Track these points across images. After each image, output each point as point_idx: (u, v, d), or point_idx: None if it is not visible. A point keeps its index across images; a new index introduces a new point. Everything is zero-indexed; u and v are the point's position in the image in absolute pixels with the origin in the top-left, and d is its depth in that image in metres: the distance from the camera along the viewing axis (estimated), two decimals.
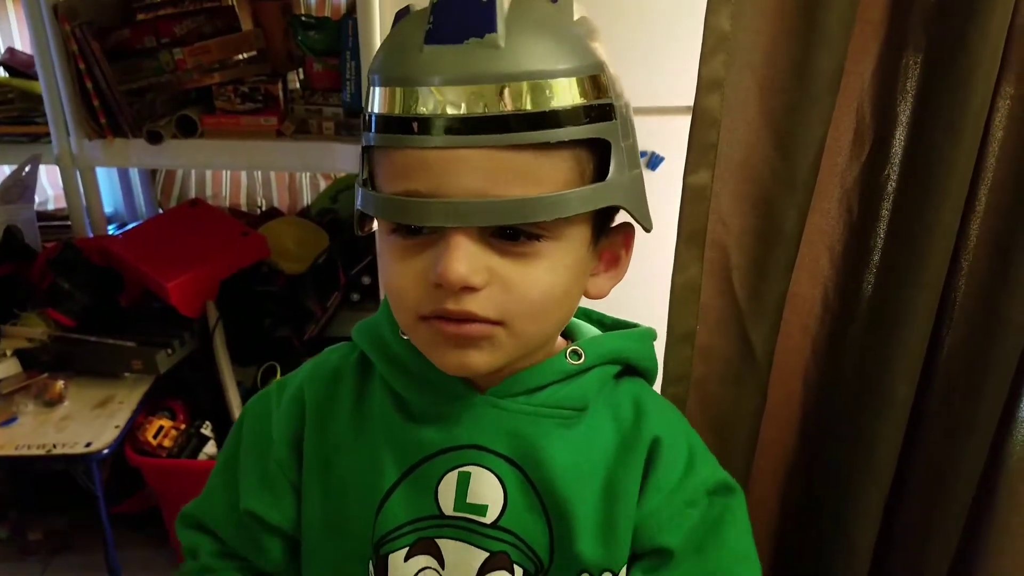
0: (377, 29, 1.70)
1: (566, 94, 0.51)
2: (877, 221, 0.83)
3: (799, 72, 0.72)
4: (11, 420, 1.67)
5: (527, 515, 0.58)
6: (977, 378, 0.86)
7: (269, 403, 0.67)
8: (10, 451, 1.60)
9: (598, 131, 0.52)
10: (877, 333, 0.84)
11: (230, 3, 2.02)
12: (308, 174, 2.45)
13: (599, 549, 0.58)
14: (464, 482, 0.58)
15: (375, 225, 0.60)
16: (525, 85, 0.49)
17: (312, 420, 0.64)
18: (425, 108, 0.50)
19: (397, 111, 0.52)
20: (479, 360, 0.55)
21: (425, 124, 0.50)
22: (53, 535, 2.10)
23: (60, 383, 1.74)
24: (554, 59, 0.51)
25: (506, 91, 0.49)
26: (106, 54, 1.85)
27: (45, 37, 1.82)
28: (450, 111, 0.49)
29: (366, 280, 2.00)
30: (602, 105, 0.53)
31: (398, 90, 0.51)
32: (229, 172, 2.50)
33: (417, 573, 0.59)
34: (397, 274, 0.55)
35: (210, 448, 1.91)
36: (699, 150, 0.76)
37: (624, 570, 0.59)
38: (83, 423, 1.66)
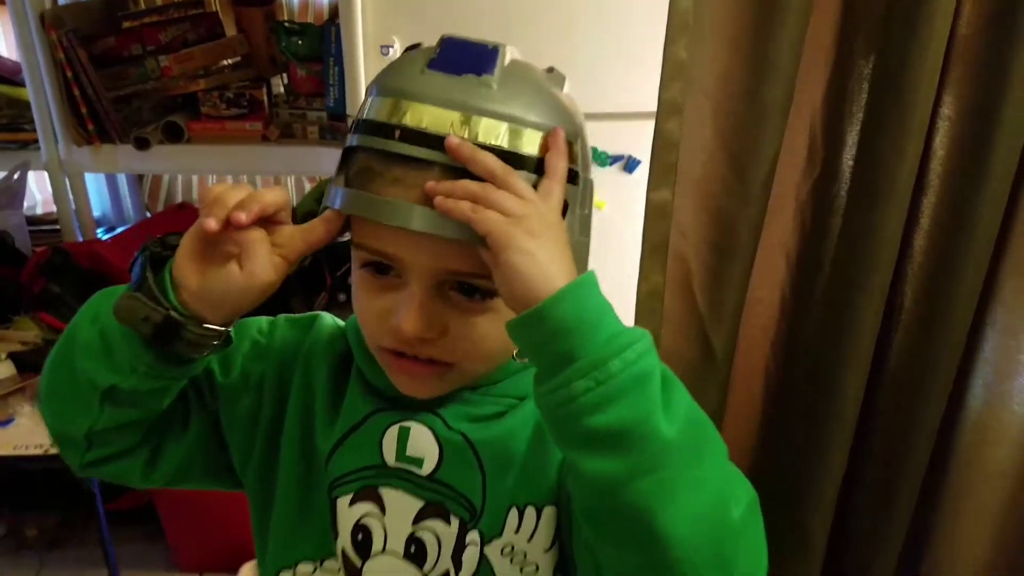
0: (360, 34, 1.75)
1: (537, 145, 0.55)
2: (828, 231, 0.89)
3: (751, 98, 0.77)
4: (8, 421, 1.72)
5: (461, 469, 0.63)
6: (923, 376, 0.92)
7: (305, 333, 0.71)
8: (9, 451, 1.65)
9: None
10: (830, 334, 0.90)
11: (214, 9, 2.06)
12: (293, 177, 2.49)
13: (526, 487, 0.63)
14: (404, 436, 0.63)
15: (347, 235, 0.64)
16: (505, 125, 0.53)
17: (298, 378, 0.68)
18: (411, 121, 0.54)
19: (386, 118, 0.55)
20: (429, 389, 0.61)
21: (407, 134, 0.53)
22: (47, 532, 2.15)
23: None
24: (535, 113, 0.55)
25: (484, 123, 0.53)
26: (92, 61, 1.90)
27: (32, 45, 1.86)
28: (432, 130, 0.53)
29: (351, 281, 2.04)
30: (569, 169, 0.56)
31: (391, 100, 0.55)
32: (215, 176, 2.53)
33: (360, 518, 0.64)
34: (363, 307, 0.60)
35: None
36: (660, 170, 0.82)
37: (549, 504, 0.64)
38: None
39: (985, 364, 0.94)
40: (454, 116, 0.53)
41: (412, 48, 0.59)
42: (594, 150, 1.61)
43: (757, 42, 0.76)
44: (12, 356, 1.84)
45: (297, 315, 0.73)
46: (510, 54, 0.56)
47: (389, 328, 0.57)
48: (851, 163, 0.84)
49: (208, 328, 0.57)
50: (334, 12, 1.89)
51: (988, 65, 0.78)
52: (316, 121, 1.97)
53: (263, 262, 0.56)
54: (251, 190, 0.56)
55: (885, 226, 0.84)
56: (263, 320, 0.71)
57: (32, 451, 1.63)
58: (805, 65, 0.81)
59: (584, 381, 0.48)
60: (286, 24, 1.96)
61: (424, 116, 0.53)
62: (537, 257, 0.50)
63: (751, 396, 0.97)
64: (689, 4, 0.74)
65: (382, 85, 0.57)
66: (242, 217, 0.54)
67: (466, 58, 0.55)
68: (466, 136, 0.53)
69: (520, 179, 0.54)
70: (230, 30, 2.05)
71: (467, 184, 0.52)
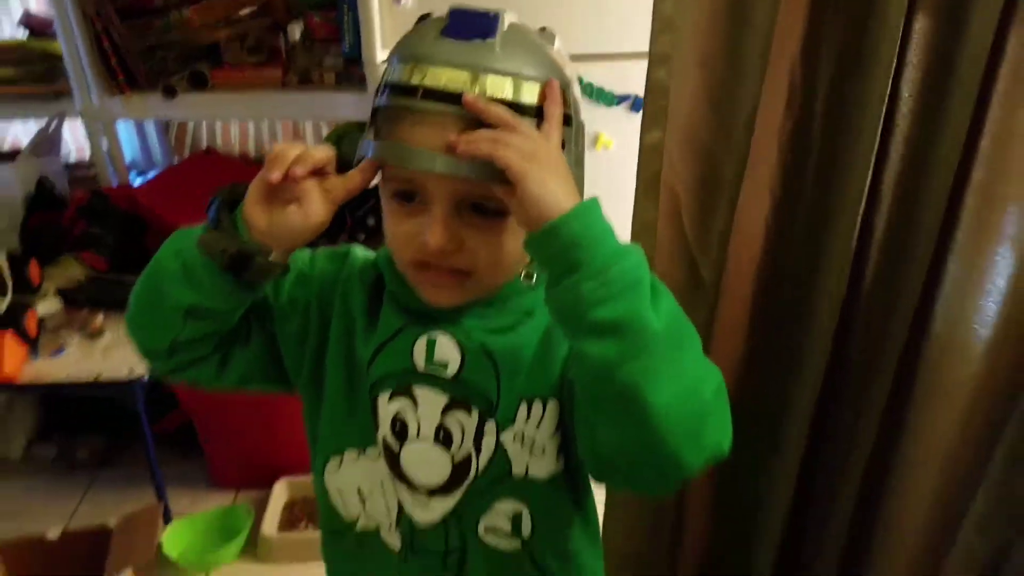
0: None
1: (532, 95, 0.65)
2: (807, 168, 0.98)
3: (732, 48, 0.87)
4: (59, 351, 1.87)
5: (480, 371, 0.75)
6: (892, 297, 1.03)
7: (342, 264, 0.83)
8: (62, 379, 1.80)
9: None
10: (808, 261, 1.01)
11: None
12: (312, 123, 2.57)
13: (533, 384, 0.75)
14: (432, 345, 0.75)
15: (376, 178, 0.76)
16: (509, 80, 0.64)
17: (339, 304, 0.81)
18: (430, 82, 0.64)
19: (407, 80, 0.65)
20: (451, 297, 0.73)
21: (428, 93, 0.64)
22: (96, 453, 2.33)
23: (99, 317, 1.95)
24: (532, 68, 0.66)
25: (491, 80, 0.64)
26: (119, 14, 2.01)
27: (63, 1, 1.95)
28: (448, 86, 0.64)
29: (371, 221, 2.16)
30: (564, 113, 0.67)
31: (411, 65, 0.65)
32: (237, 121, 2.62)
33: (397, 412, 0.77)
34: (394, 231, 0.71)
35: None
36: (651, 114, 0.92)
37: (552, 398, 0.75)
38: (124, 353, 1.86)
39: (948, 284, 1.05)
40: (465, 75, 0.64)
41: (424, 18, 0.71)
42: (601, 90, 1.69)
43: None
44: (59, 292, 2.00)
45: (333, 248, 0.85)
46: (508, 19, 0.67)
47: (417, 245, 0.69)
48: (824, 105, 0.94)
49: (272, 259, 0.70)
50: None
51: (947, 10, 0.88)
52: (332, 67, 2.06)
53: (316, 205, 0.68)
54: (306, 147, 0.68)
55: (856, 163, 0.94)
56: (305, 253, 0.83)
57: (82, 378, 1.79)
58: (783, 16, 0.90)
59: (591, 283, 0.59)
60: None
61: (441, 77, 0.64)
62: (549, 185, 0.61)
63: (738, 318, 1.08)
64: None
65: (402, 53, 0.68)
66: (298, 171, 0.66)
67: (472, 25, 0.65)
68: (476, 91, 0.64)
69: (527, 124, 0.65)
70: None
71: (485, 131, 0.63)
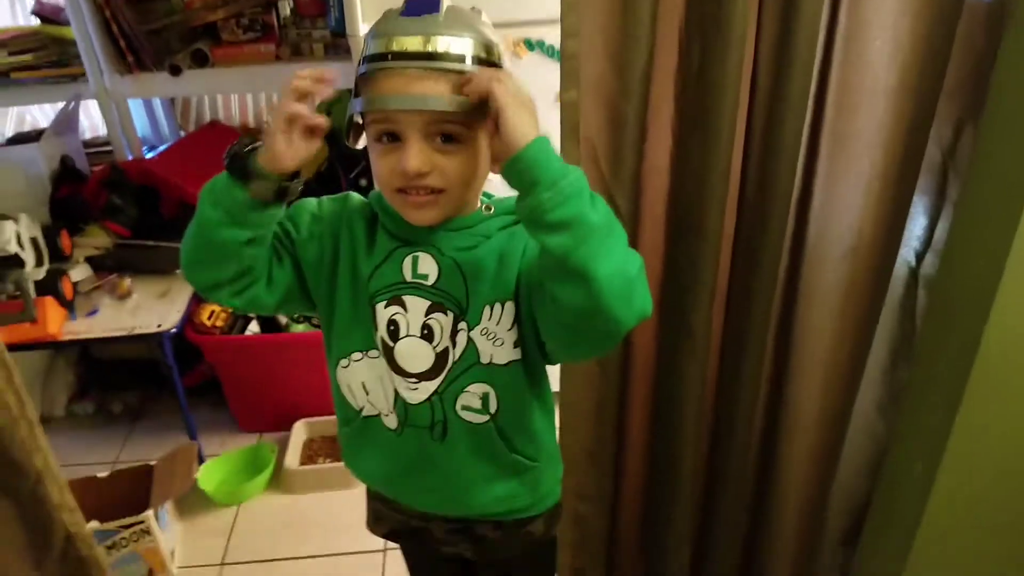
0: None
1: (468, 49, 0.90)
2: (698, 110, 1.23)
3: (625, 18, 1.13)
4: (94, 312, 2.17)
5: (452, 280, 0.98)
6: (768, 201, 1.27)
7: (344, 205, 1.05)
8: (99, 334, 2.10)
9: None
10: (700, 183, 1.26)
11: None
12: None
13: (494, 290, 0.98)
14: (415, 261, 0.99)
15: (362, 140, 1.01)
16: (449, 39, 0.89)
17: (345, 234, 1.03)
18: (396, 47, 0.88)
19: (379, 50, 0.89)
20: (431, 215, 0.96)
21: (396, 56, 0.89)
22: (129, 406, 2.66)
23: (127, 281, 2.23)
24: (465, 31, 0.90)
25: (438, 39, 0.89)
26: (125, 0, 2.25)
27: None
28: (409, 48, 0.88)
29: (363, 183, 2.43)
30: (491, 60, 0.92)
31: (382, 39, 0.90)
32: (237, 95, 2.91)
33: (392, 315, 1.00)
34: (379, 166, 0.93)
35: (253, 326, 2.42)
36: (567, 76, 1.18)
37: (509, 301, 0.99)
38: (151, 310, 2.16)
39: (816, 199, 1.31)
40: (419, 39, 0.89)
41: (389, 12, 0.95)
42: (552, 47, 1.96)
43: None
44: (88, 260, 2.29)
45: (334, 196, 1.09)
46: (446, 2, 0.92)
47: (399, 173, 0.92)
48: (699, 61, 1.21)
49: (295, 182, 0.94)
50: None
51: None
52: (320, 39, 2.31)
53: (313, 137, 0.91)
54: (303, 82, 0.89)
55: (726, 93, 1.17)
56: (313, 200, 1.07)
57: (119, 333, 2.08)
58: None
59: (547, 193, 0.82)
60: None
61: (404, 43, 0.90)
62: (524, 117, 0.84)
63: (655, 238, 1.36)
64: None
65: (374, 32, 0.93)
66: (318, 93, 0.89)
67: (422, 6, 0.91)
68: (429, 49, 0.89)
69: (513, 78, 0.88)
70: None
71: (487, 71, 0.88)
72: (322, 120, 0.90)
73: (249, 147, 0.92)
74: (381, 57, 0.91)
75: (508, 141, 0.84)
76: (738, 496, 1.58)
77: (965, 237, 1.19)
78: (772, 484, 1.56)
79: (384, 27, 0.92)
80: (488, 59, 0.93)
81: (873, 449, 1.49)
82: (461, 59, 0.90)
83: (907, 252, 1.36)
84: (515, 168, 0.85)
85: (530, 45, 1.89)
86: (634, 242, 1.36)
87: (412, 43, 0.89)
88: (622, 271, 0.85)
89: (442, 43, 0.90)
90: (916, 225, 1.34)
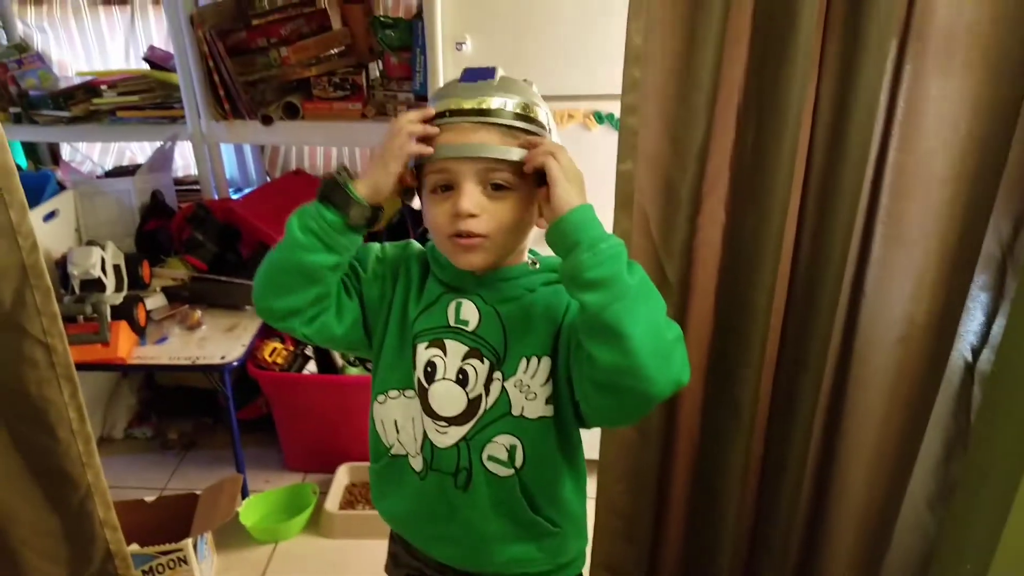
0: (439, 29, 2.14)
1: (518, 109, 0.99)
2: (754, 190, 1.28)
3: (682, 101, 1.20)
4: (163, 339, 2.27)
5: (491, 328, 1.04)
6: (815, 298, 1.31)
7: (404, 250, 1.14)
8: (165, 361, 2.20)
9: (533, 131, 0.99)
10: (747, 262, 1.29)
11: (323, 7, 2.56)
12: None
13: (532, 344, 1.03)
14: (459, 307, 1.05)
15: (416, 203, 1.11)
16: (501, 98, 0.99)
17: (402, 276, 1.13)
18: (453, 107, 0.98)
19: (439, 110, 0.99)
20: (479, 259, 1.01)
21: (453, 112, 0.98)
22: (184, 435, 2.76)
23: (198, 313, 2.35)
24: (515, 96, 1.00)
25: (491, 100, 0.98)
26: (228, 52, 2.43)
27: (183, 40, 2.42)
28: (465, 107, 0.98)
29: (429, 240, 2.52)
30: (536, 121, 1.00)
31: (442, 100, 1.00)
32: (322, 147, 3.08)
33: (431, 357, 1.05)
34: (433, 214, 1.01)
35: (311, 366, 2.51)
36: (624, 148, 1.25)
37: (546, 356, 1.04)
38: (217, 343, 2.26)
39: (869, 285, 1.34)
40: (475, 100, 0.99)
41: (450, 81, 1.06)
42: (611, 116, 2.05)
43: (688, 62, 1.19)
44: (164, 290, 2.41)
45: (397, 242, 1.17)
46: (500, 71, 1.02)
47: (450, 219, 0.99)
48: (754, 140, 1.24)
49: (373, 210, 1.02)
50: (419, 9, 2.31)
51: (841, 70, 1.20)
52: (405, 101, 2.43)
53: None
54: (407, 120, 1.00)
55: (780, 172, 1.22)
56: (378, 244, 1.15)
57: (184, 362, 2.17)
58: (726, 70, 1.23)
59: (587, 254, 0.90)
60: (382, 19, 2.43)
61: (461, 103, 0.99)
62: (570, 189, 0.94)
63: (705, 310, 1.39)
64: (641, 40, 1.19)
65: (436, 96, 1.03)
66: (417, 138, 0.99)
67: (477, 74, 1.02)
68: (482, 106, 0.98)
69: (565, 153, 0.96)
70: (336, 24, 2.54)
71: (546, 145, 0.97)
72: (423, 148, 0.99)
73: (340, 174, 1.02)
74: (440, 115, 1.00)
75: (555, 207, 0.94)
76: None
77: (1020, 335, 1.19)
78: (815, 570, 1.53)
79: (445, 91, 1.03)
80: (536, 120, 1.02)
81: (923, 546, 1.45)
82: (511, 115, 0.99)
83: (964, 347, 1.36)
84: (559, 230, 0.94)
85: (599, 118, 1.98)
86: (683, 313, 1.40)
87: (468, 103, 0.99)
88: (656, 333, 0.90)
89: (495, 102, 0.99)
90: (974, 320, 1.34)
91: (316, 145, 3.01)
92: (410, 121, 0.99)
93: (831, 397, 1.42)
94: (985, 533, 1.20)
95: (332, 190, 1.01)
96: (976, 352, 1.34)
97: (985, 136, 1.18)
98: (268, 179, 3.05)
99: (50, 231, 2.38)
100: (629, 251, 1.32)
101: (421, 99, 2.39)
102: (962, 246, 1.24)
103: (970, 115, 1.18)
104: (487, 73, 1.02)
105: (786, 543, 1.52)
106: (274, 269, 1.05)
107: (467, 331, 1.06)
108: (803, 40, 1.16)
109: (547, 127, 1.04)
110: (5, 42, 2.92)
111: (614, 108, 2.02)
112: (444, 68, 2.09)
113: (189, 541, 2.00)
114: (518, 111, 1.00)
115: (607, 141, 1.98)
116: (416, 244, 1.16)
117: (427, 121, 1.01)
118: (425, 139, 1.01)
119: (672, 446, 1.52)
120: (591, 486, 1.22)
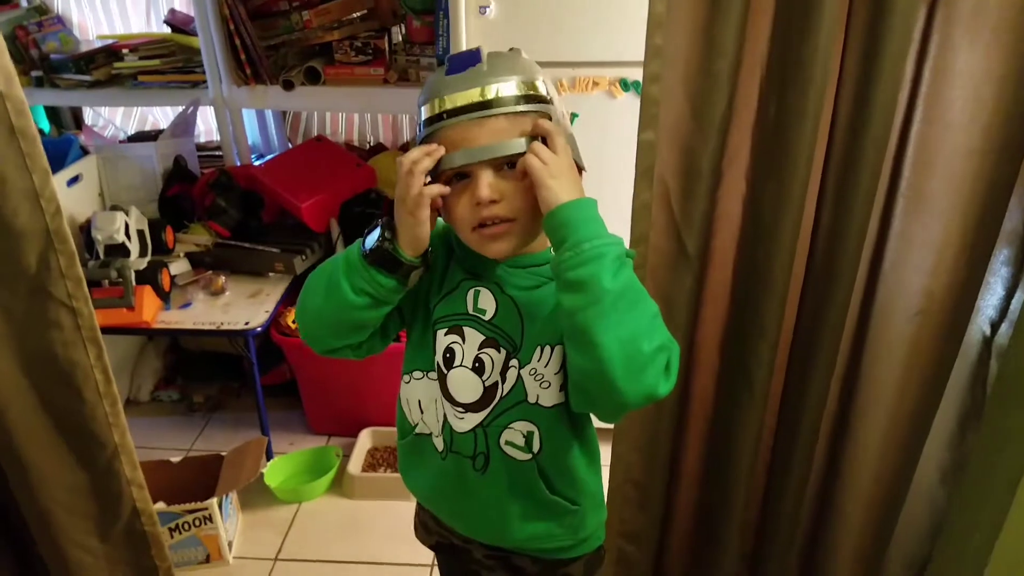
0: None
1: (514, 90, 0.96)
2: (773, 165, 1.29)
3: (706, 71, 1.21)
4: (187, 304, 2.34)
5: (508, 317, 1.04)
6: (833, 270, 1.33)
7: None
8: (189, 326, 2.26)
9: (537, 109, 0.97)
10: (766, 235, 1.31)
11: None
12: (408, 115, 2.98)
13: (547, 333, 1.03)
14: (477, 295, 1.06)
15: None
16: (497, 84, 0.95)
17: (434, 260, 1.09)
18: (449, 105, 0.95)
19: (434, 112, 0.96)
20: (506, 246, 1.00)
21: (450, 113, 0.95)
22: (210, 399, 2.84)
23: (222, 278, 2.40)
24: (510, 74, 0.96)
25: (486, 89, 0.95)
26: (249, 15, 2.44)
27: (204, 3, 2.43)
28: (460, 103, 0.95)
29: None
30: (538, 97, 0.98)
31: (434, 100, 0.97)
32: (344, 113, 3.10)
33: (449, 343, 1.07)
34: (453, 205, 0.99)
35: None
36: (646, 119, 1.26)
37: (559, 344, 1.02)
38: (241, 308, 2.32)
39: (887, 260, 1.35)
40: (468, 93, 0.96)
41: (435, 75, 1.03)
42: (637, 83, 2.02)
43: (711, 32, 1.18)
44: (188, 255, 2.47)
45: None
46: (485, 49, 0.99)
47: (471, 208, 0.99)
48: (776, 113, 1.25)
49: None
50: None
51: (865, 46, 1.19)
52: (427, 67, 2.43)
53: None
54: (412, 162, 0.97)
55: (802, 146, 1.23)
56: None
57: (206, 327, 2.23)
58: (749, 43, 1.24)
59: (569, 253, 0.90)
60: None
61: (456, 100, 0.97)
62: (554, 187, 0.92)
63: (722, 282, 1.42)
64: (663, 7, 1.20)
65: (425, 96, 1.00)
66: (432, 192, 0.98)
67: (463, 62, 0.98)
68: (479, 99, 0.95)
69: (546, 150, 0.95)
70: None
71: (535, 150, 0.94)
72: (442, 189, 0.98)
73: (387, 240, 1.00)
74: (437, 119, 0.98)
75: (541, 206, 0.94)
76: (790, 548, 1.60)
77: None
78: (825, 540, 1.58)
79: (433, 90, 0.99)
80: (537, 96, 0.99)
81: (933, 518, 1.49)
82: (512, 100, 0.97)
83: (982, 321, 1.37)
84: (548, 226, 0.95)
85: (625, 85, 1.99)
86: (700, 285, 1.42)
87: (463, 98, 0.96)
88: (631, 343, 0.88)
89: (491, 91, 0.96)
90: (993, 294, 1.36)
91: (338, 111, 3.03)
92: (414, 162, 0.96)
93: (847, 368, 1.45)
94: (996, 507, 1.23)
95: (382, 258, 1.00)
96: (995, 326, 1.36)
97: (1010, 109, 1.19)
98: (290, 145, 3.08)
99: (74, 196, 2.43)
100: (648, 223, 1.37)
101: (443, 64, 2.39)
102: (984, 220, 1.26)
103: (996, 88, 1.18)
104: (473, 58, 0.98)
105: (796, 514, 1.56)
106: (327, 321, 1.05)
107: (484, 320, 1.07)
108: (828, 9, 1.16)
109: (548, 96, 1.01)
110: (25, 3, 2.95)
111: (640, 75, 2.01)
112: (467, 32, 2.10)
113: (214, 500, 2.08)
114: (518, 93, 0.97)
115: (633, 109, 1.98)
116: (442, 222, 1.15)
117: (429, 131, 0.99)
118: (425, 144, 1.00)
119: (686, 416, 1.55)
120: (605, 454, 1.24)
